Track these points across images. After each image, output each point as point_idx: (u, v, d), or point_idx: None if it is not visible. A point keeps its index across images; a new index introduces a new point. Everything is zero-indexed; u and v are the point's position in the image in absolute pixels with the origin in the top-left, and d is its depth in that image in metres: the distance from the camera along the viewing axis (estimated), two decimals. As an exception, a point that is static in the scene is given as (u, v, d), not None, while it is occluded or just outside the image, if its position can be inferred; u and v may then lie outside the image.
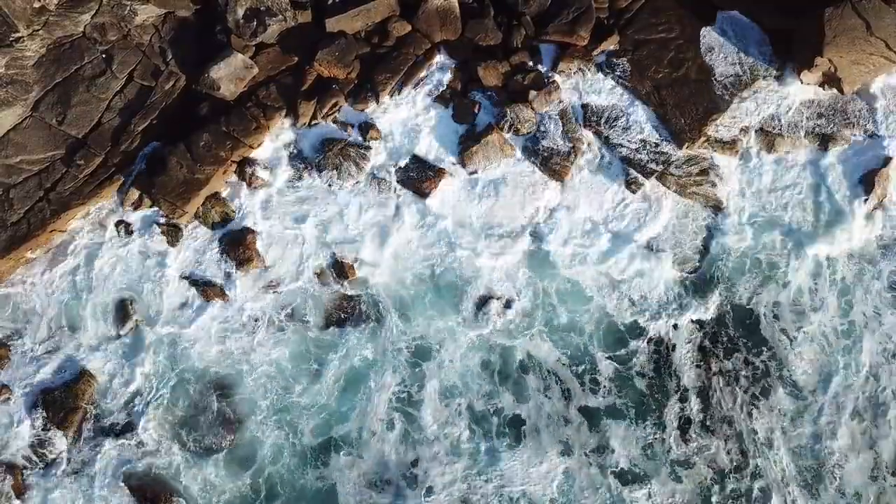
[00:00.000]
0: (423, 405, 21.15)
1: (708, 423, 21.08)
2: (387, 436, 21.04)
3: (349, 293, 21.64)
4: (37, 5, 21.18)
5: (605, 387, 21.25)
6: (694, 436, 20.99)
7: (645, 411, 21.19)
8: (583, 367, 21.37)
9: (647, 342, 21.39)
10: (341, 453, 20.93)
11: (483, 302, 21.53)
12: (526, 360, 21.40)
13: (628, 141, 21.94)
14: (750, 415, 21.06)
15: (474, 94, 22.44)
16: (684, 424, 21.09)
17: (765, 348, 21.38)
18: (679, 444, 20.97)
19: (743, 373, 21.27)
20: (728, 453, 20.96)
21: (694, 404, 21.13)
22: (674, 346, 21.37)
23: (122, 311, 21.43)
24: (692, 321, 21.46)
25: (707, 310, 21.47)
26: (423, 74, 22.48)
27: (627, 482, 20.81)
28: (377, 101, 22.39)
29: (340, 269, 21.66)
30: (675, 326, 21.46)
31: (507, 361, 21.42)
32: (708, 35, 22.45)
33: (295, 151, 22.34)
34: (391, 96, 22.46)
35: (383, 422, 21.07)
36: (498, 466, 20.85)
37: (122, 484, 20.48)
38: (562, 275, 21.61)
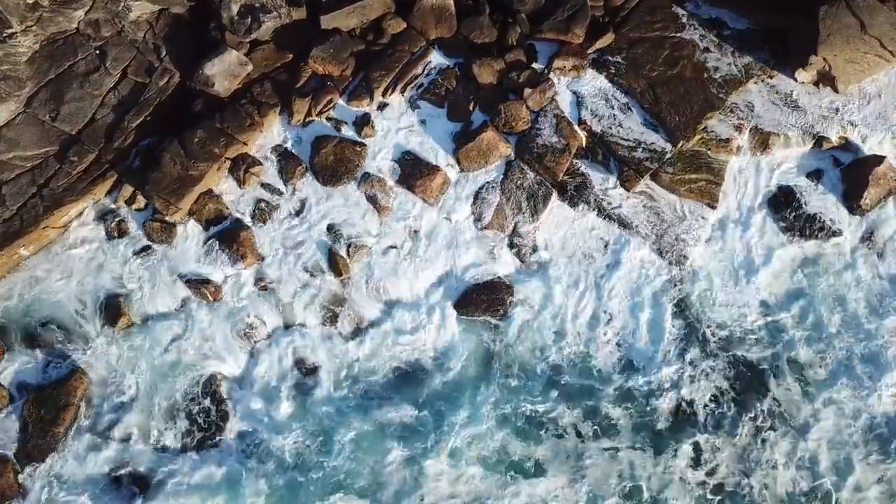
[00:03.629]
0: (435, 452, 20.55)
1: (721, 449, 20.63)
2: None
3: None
4: (30, 1, 21.14)
5: (619, 429, 20.69)
6: (706, 462, 20.53)
7: (660, 443, 20.60)
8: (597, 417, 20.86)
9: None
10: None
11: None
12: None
13: (623, 139, 21.95)
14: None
15: (469, 92, 22.39)
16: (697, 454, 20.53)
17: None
18: (693, 472, 20.41)
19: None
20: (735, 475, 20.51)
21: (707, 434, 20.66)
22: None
23: (115, 308, 21.32)
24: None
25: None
26: (417, 72, 22.47)
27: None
28: (372, 99, 22.37)
29: (334, 265, 21.58)
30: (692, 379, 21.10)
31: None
32: (704, 33, 22.55)
33: (289, 148, 22.31)
34: (386, 94, 22.44)
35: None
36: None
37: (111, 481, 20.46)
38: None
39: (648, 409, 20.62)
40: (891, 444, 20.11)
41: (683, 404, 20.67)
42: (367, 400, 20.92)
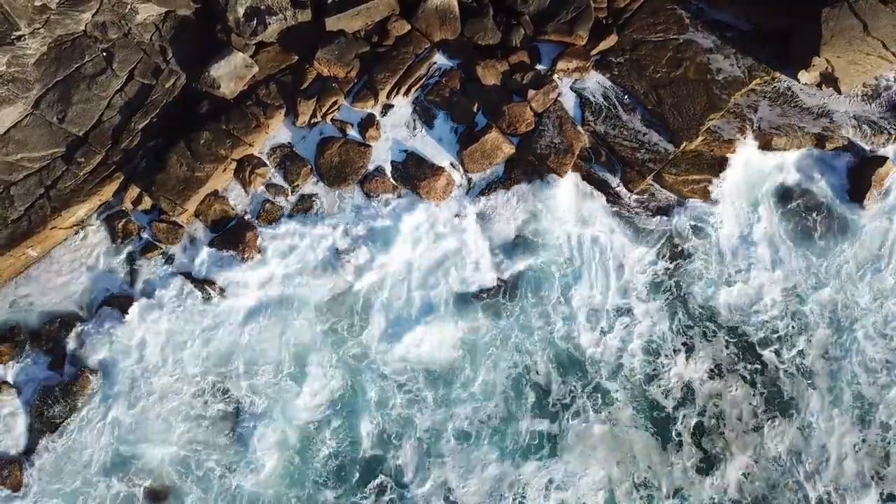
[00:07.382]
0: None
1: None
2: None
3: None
4: (38, 3, 21.26)
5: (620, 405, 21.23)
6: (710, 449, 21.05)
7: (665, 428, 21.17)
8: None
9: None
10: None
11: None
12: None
13: (626, 140, 22.05)
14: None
15: (473, 94, 22.52)
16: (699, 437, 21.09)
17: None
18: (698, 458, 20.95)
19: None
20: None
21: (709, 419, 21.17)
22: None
23: (120, 309, 21.46)
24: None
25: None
26: (422, 74, 22.57)
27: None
28: (376, 100, 22.48)
29: (338, 265, 21.73)
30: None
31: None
32: (707, 35, 22.65)
33: (295, 150, 22.44)
34: (390, 95, 22.56)
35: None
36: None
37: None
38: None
39: (650, 390, 21.27)
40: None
41: (686, 387, 21.29)
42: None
